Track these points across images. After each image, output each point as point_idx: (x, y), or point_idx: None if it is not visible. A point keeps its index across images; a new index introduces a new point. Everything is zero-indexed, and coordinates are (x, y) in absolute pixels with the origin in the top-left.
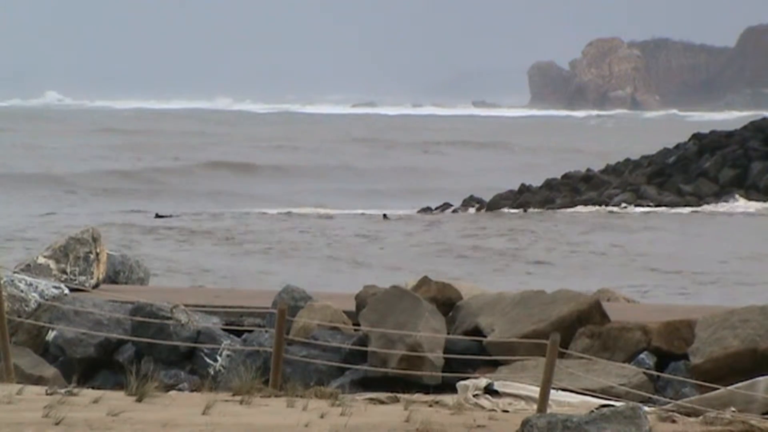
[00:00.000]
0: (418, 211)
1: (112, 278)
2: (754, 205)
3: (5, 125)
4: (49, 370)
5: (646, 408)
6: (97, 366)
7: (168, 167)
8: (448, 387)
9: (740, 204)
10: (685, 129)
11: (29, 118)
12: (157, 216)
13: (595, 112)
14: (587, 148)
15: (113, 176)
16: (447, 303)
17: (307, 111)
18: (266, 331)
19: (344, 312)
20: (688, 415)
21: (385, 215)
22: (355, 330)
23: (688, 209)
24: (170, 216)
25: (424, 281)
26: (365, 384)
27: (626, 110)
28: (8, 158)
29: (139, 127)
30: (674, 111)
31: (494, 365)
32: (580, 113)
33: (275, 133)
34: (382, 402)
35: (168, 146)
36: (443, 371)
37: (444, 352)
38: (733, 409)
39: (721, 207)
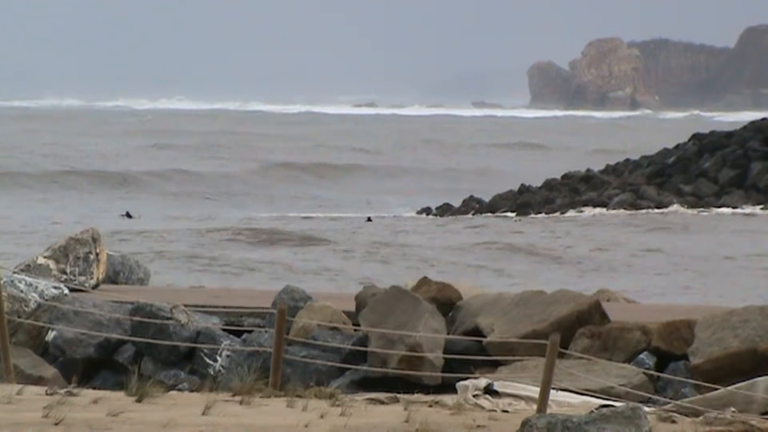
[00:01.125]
0: (417, 212)
1: (112, 278)
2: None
3: (35, 126)
4: (49, 371)
5: (646, 408)
6: (97, 366)
7: (233, 170)
8: (448, 387)
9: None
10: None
11: (54, 119)
12: (127, 215)
13: (618, 114)
14: (619, 147)
15: (182, 177)
16: (447, 303)
17: (322, 111)
18: (266, 332)
19: (344, 312)
20: (688, 415)
21: (369, 218)
22: (355, 330)
23: (694, 210)
24: (138, 217)
25: (424, 281)
26: (365, 384)
27: (627, 111)
28: (72, 158)
29: (173, 127)
30: (697, 112)
31: (494, 365)
32: (603, 114)
33: (304, 133)
34: (381, 402)
35: (218, 147)
36: (443, 371)
37: (444, 353)
38: (732, 409)
39: (725, 210)
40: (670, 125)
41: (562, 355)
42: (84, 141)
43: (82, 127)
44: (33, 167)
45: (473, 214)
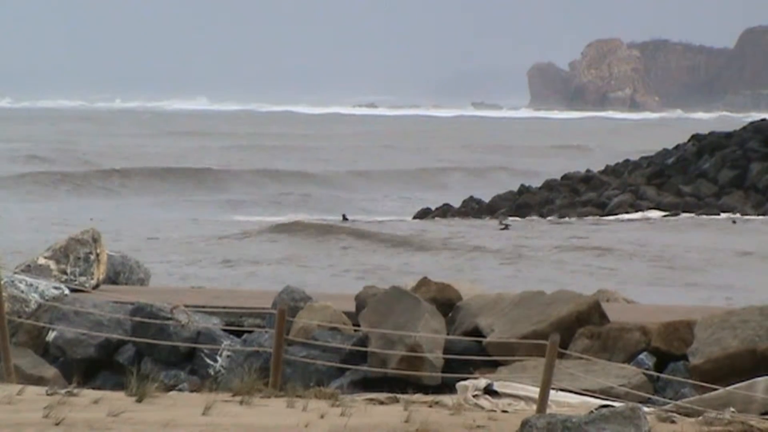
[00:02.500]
0: (414, 217)
1: (113, 279)
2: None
3: (80, 128)
4: (50, 371)
5: (646, 408)
6: (97, 366)
7: (314, 171)
8: (448, 387)
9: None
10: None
11: (91, 120)
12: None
13: (632, 116)
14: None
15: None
16: (447, 303)
17: (341, 112)
18: (266, 332)
19: (344, 313)
20: (688, 415)
21: (344, 217)
22: (355, 330)
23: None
24: (92, 220)
25: (424, 282)
26: (365, 384)
27: (627, 112)
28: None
29: (210, 128)
30: (724, 113)
31: (494, 366)
32: (615, 114)
33: (318, 133)
34: (381, 402)
35: (277, 149)
36: (443, 372)
37: (444, 353)
38: (732, 409)
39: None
40: (700, 125)
41: (561, 356)
42: (142, 142)
43: (124, 127)
44: (124, 167)
45: (473, 216)
